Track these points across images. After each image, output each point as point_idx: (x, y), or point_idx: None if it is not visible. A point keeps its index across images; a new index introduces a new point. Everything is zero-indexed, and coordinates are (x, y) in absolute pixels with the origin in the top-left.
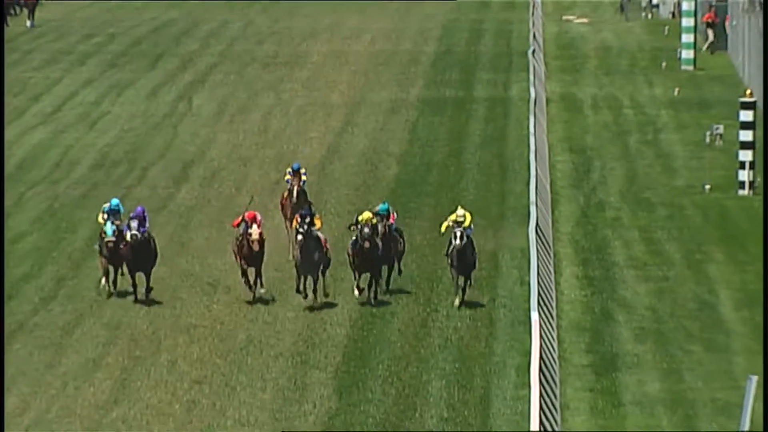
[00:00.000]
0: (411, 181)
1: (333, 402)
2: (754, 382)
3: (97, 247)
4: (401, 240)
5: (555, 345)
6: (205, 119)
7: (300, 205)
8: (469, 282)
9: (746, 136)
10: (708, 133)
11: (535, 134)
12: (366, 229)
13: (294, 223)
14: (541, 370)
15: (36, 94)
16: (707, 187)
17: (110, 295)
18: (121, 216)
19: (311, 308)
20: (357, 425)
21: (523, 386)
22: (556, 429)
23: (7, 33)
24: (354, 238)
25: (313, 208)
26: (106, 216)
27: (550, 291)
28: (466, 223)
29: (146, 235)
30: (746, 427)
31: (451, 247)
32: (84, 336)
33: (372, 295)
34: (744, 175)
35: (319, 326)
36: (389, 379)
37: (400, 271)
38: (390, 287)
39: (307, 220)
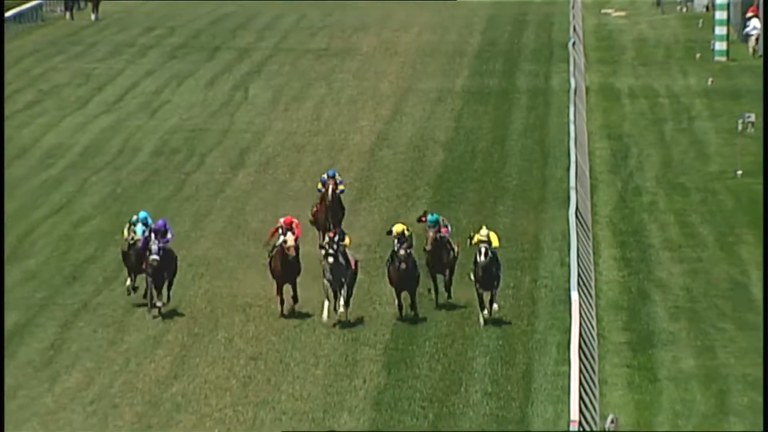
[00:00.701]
0: (457, 168)
1: (382, 377)
2: None
3: (123, 249)
4: (452, 250)
5: (594, 323)
6: (261, 108)
7: (335, 210)
8: (494, 299)
9: None
10: (740, 120)
11: (575, 122)
12: (402, 251)
13: (324, 241)
14: (580, 347)
15: (100, 85)
16: (739, 172)
17: (129, 292)
18: (149, 225)
19: (360, 288)
20: (404, 399)
21: (563, 362)
22: (595, 403)
23: (72, 26)
24: (390, 257)
25: (343, 231)
26: (134, 225)
27: (589, 272)
28: (495, 244)
29: (167, 248)
30: None
31: (477, 264)
32: (145, 314)
33: (411, 310)
34: None
35: (368, 305)
36: (436, 355)
37: (448, 288)
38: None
39: (337, 239)
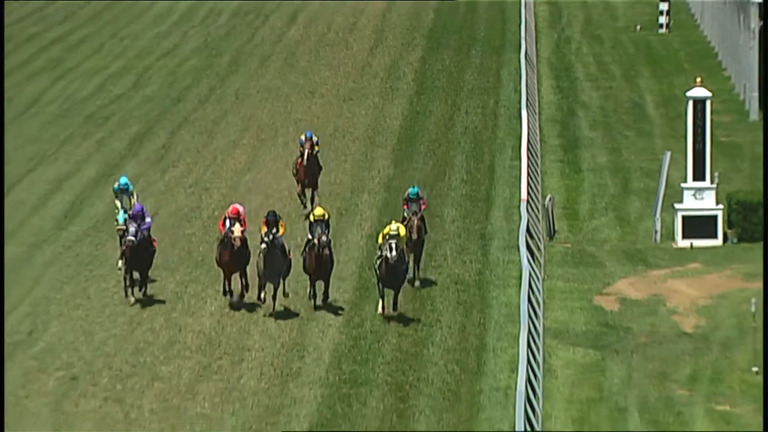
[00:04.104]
0: (443, 24)
1: (390, 169)
2: (668, 155)
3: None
4: (424, 227)
5: (537, 131)
6: None
7: (312, 169)
8: (397, 296)
9: None
10: None
11: None
12: (323, 238)
13: (262, 229)
14: (528, 148)
15: None
16: (638, 27)
17: (128, 285)
18: (131, 192)
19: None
20: (406, 184)
21: (516, 159)
22: (538, 187)
23: None
24: (305, 244)
25: (278, 215)
26: (116, 197)
27: (534, 96)
28: (401, 237)
29: (144, 234)
30: (663, 184)
31: (382, 259)
32: (227, 125)
33: (321, 299)
34: (662, 20)
35: (382, 120)
36: (427, 152)
37: (418, 266)
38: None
39: (273, 229)
